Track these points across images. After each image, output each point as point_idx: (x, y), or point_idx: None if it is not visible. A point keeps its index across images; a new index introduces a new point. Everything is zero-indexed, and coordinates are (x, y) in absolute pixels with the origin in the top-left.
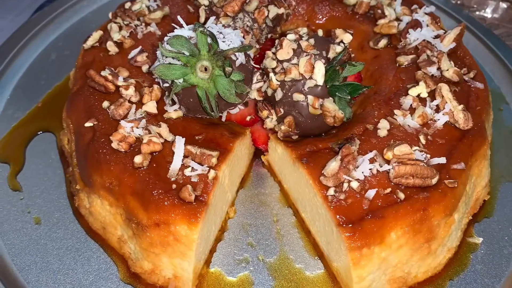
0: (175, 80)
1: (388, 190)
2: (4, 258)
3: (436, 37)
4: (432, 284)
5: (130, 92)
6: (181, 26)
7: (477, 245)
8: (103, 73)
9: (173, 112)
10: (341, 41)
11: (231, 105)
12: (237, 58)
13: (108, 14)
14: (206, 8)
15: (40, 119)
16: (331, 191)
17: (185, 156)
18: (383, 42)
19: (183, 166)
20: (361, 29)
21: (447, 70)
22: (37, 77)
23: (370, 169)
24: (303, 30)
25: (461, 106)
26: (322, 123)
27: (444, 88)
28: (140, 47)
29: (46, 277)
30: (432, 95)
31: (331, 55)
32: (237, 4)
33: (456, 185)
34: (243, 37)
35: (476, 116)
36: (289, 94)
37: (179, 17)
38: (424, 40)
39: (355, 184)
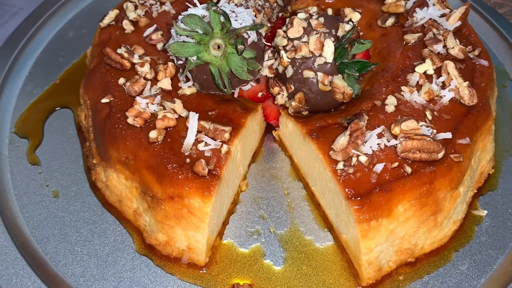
0: (189, 58)
1: (396, 164)
2: (23, 230)
3: (442, 16)
4: (438, 255)
5: (145, 69)
6: (194, 5)
7: (482, 217)
8: (119, 50)
9: (187, 88)
10: (350, 20)
11: (243, 82)
12: (249, 36)
13: None
14: None
15: (58, 95)
16: (340, 165)
17: (198, 131)
18: (390, 21)
19: (197, 141)
20: (369, 8)
21: (453, 48)
22: (55, 54)
23: (378, 144)
24: (313, 9)
25: (466, 82)
26: (331, 99)
27: (450, 65)
28: (155, 25)
29: (63, 249)
30: (438, 72)
31: (340, 33)
32: None
33: (461, 159)
34: (255, 16)
35: (481, 93)
36: (300, 71)
37: None
38: (430, 18)
39: (363, 159)
